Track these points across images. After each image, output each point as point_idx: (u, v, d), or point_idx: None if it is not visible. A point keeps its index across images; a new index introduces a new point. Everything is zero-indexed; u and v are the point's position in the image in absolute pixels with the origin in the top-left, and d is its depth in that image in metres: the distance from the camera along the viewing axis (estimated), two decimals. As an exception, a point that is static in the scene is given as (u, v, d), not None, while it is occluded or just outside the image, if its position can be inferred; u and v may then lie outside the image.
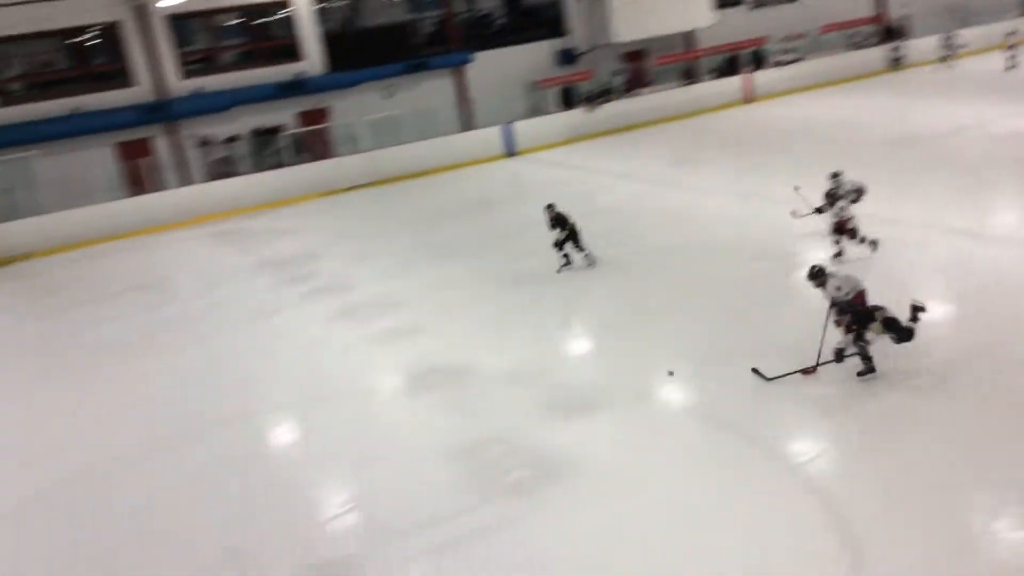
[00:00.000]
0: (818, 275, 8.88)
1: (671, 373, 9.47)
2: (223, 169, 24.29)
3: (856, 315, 8.43)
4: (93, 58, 25.72)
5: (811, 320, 9.19)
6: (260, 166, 24.42)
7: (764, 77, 29.18)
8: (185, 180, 23.90)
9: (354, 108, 25.42)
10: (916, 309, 8.49)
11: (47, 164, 21.51)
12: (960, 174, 15.83)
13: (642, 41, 29.59)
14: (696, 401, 9.06)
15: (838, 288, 8.65)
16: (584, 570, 6.57)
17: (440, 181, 23.27)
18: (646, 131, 26.24)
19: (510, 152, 25.27)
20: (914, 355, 8.69)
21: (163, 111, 23.81)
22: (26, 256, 20.02)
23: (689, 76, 30.43)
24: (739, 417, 8.37)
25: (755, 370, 9.03)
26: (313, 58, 25.80)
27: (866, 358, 8.58)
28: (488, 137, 25.25)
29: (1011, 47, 27.40)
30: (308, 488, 8.56)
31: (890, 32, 32.84)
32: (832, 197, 12.00)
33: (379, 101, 26.15)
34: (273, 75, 25.17)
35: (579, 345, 11.50)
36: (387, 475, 8.47)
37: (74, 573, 7.63)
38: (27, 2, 21.02)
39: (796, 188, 12.65)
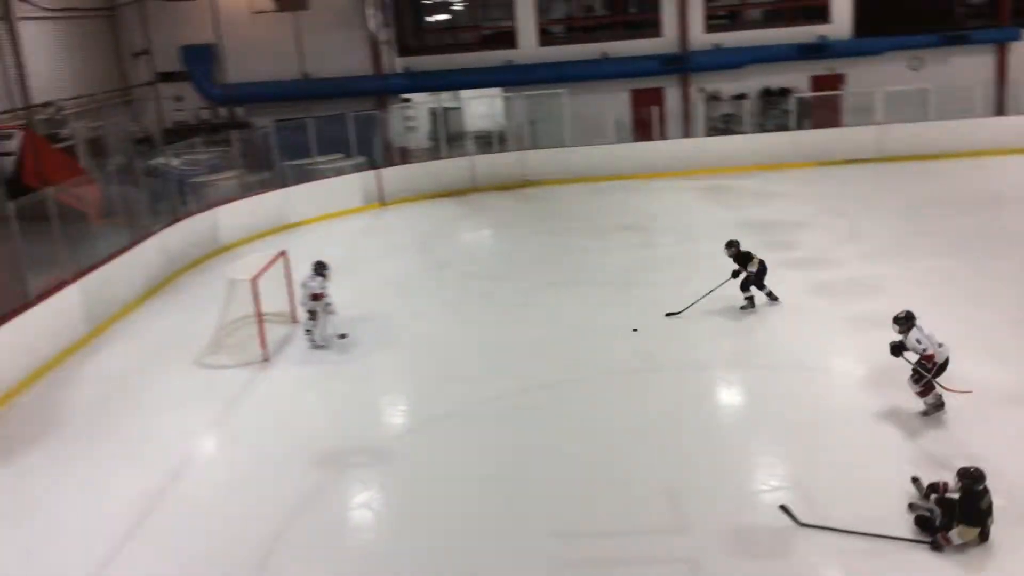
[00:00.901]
0: (905, 320, 8.63)
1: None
2: (724, 126, 24.58)
3: (966, 505, 6.74)
4: (628, 7, 27.62)
5: None
6: (761, 127, 24.24)
7: None
8: (686, 132, 24.67)
9: (873, 77, 23.85)
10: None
11: (571, 102, 23.58)
12: None
13: None
14: None
15: (918, 341, 8.47)
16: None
17: (955, 167, 20.97)
18: None
19: (1049, 144, 21.89)
20: None
21: (680, 63, 24.71)
22: (541, 182, 22.35)
23: None
24: None
25: (784, 508, 7.33)
26: (840, 20, 24.68)
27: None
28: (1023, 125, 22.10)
29: None
30: (748, 453, 8.57)
31: None
32: None
33: (903, 72, 24.27)
34: (795, 35, 24.65)
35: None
36: (831, 464, 8.15)
37: (515, 476, 8.57)
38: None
39: None
